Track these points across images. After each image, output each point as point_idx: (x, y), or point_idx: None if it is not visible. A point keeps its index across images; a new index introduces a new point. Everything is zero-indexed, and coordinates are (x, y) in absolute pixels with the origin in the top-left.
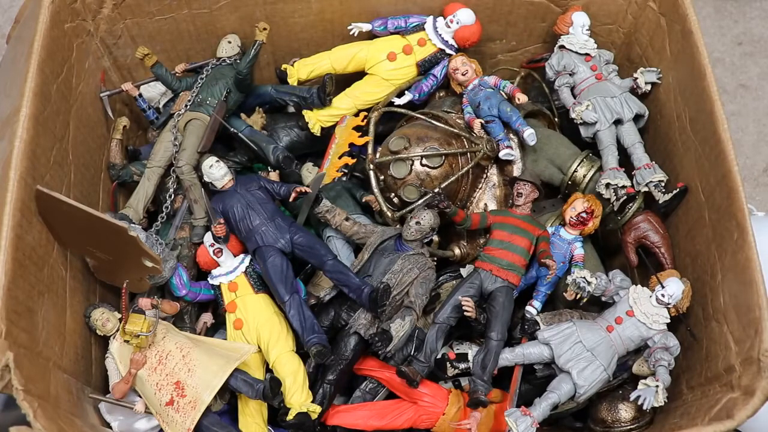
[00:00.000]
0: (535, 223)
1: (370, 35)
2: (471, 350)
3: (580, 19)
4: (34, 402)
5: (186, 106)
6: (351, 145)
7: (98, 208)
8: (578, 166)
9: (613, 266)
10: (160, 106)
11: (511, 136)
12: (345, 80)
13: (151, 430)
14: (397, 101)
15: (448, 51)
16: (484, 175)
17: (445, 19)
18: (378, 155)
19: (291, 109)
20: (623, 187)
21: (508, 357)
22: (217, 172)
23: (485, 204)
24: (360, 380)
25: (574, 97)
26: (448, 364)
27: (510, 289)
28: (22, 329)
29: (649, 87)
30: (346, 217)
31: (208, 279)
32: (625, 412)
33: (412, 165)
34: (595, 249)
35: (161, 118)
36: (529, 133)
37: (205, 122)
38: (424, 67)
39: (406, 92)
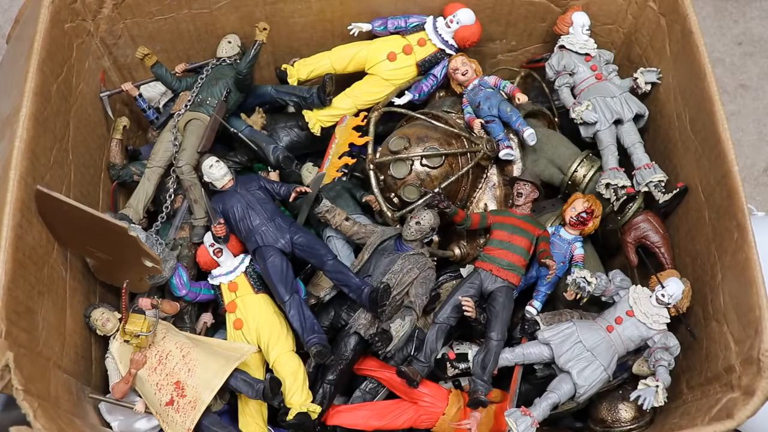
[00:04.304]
0: (535, 223)
1: (370, 35)
2: (471, 350)
3: (580, 19)
4: (34, 402)
5: (186, 106)
6: (351, 145)
7: (98, 208)
8: (578, 166)
9: (613, 266)
10: (160, 106)
11: (511, 136)
12: (345, 80)
13: (151, 430)
14: (397, 101)
15: (448, 51)
16: (484, 175)
17: (445, 19)
18: (378, 155)
19: (291, 109)
20: (623, 187)
21: (508, 357)
22: (217, 172)
23: (485, 204)
24: (360, 380)
25: (574, 97)
26: (448, 364)
27: (510, 289)
28: (22, 329)
29: (649, 87)
30: (346, 217)
31: (208, 279)
32: (625, 412)
33: (412, 165)
34: (595, 249)
35: (161, 118)
36: (529, 133)
37: (205, 122)
38: (424, 67)
39: (406, 92)
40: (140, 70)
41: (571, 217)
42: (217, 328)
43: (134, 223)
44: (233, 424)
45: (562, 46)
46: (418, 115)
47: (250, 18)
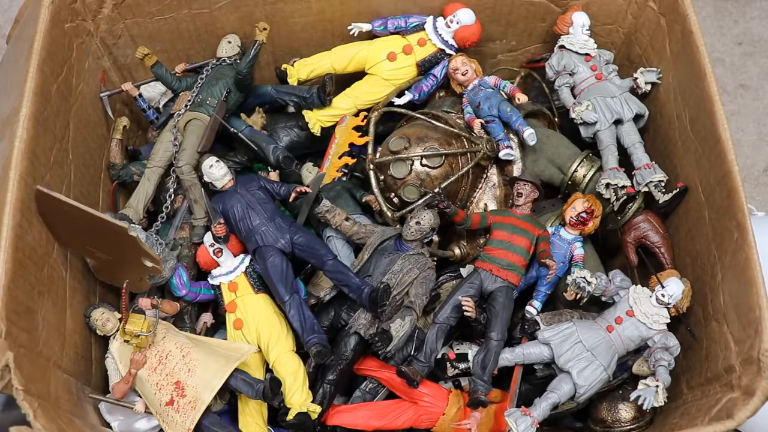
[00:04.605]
0: (535, 223)
1: (370, 35)
2: (471, 350)
3: (580, 19)
4: (34, 402)
5: (186, 106)
6: (351, 145)
7: (98, 208)
8: (578, 166)
9: (613, 266)
10: (160, 106)
11: (511, 136)
12: (345, 80)
13: (151, 430)
14: (397, 101)
15: (448, 51)
16: (484, 175)
17: (445, 19)
18: (378, 155)
19: (291, 109)
20: (623, 187)
21: (508, 357)
22: (217, 172)
23: (485, 204)
24: (360, 380)
25: (574, 97)
26: (448, 364)
27: (510, 289)
28: (22, 329)
29: (649, 87)
30: (346, 217)
31: (208, 279)
32: (625, 412)
33: (412, 165)
34: (595, 249)
35: (161, 118)
36: (529, 133)
37: (205, 122)
38: (424, 67)
39: (406, 92)
40: (140, 70)
41: (571, 217)
42: (217, 328)
43: (134, 223)
44: (233, 424)
45: (562, 46)
46: (418, 115)
47: (250, 18)
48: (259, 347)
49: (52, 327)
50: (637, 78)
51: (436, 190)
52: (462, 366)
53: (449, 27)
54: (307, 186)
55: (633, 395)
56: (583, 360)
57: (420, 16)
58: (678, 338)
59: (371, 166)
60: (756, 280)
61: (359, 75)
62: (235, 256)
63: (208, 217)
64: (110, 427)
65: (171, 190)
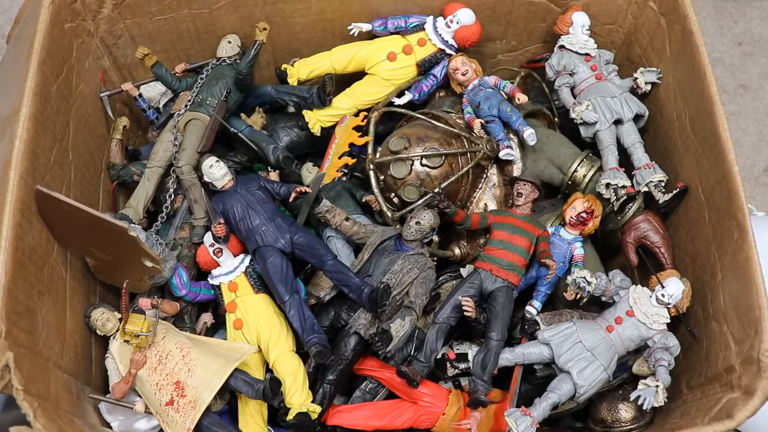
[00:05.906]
0: (535, 223)
1: (370, 35)
2: (471, 350)
3: (580, 19)
4: (34, 402)
5: (186, 106)
6: (351, 145)
7: (98, 208)
8: (578, 166)
9: (613, 266)
10: (160, 106)
11: (511, 136)
12: (345, 80)
13: (151, 430)
14: (397, 101)
15: (448, 51)
16: (484, 175)
17: (445, 19)
18: (378, 155)
19: (291, 109)
20: (623, 187)
21: (508, 357)
22: (217, 172)
23: (485, 204)
24: (360, 380)
25: (574, 97)
26: (448, 364)
27: (510, 289)
28: (22, 329)
29: (649, 87)
30: (346, 217)
31: (208, 279)
32: (625, 412)
33: (412, 165)
34: (595, 249)
35: (161, 118)
36: (529, 133)
37: (205, 122)
38: (424, 67)
39: (406, 92)
40: (140, 70)
41: (571, 217)
42: (217, 328)
43: (134, 223)
44: (233, 424)
45: (562, 46)
46: (418, 115)
47: (250, 18)
48: (259, 347)
49: (52, 327)
50: (637, 78)
51: (436, 190)
52: (462, 366)
53: (449, 27)
54: (307, 186)
55: (633, 395)
56: (583, 360)
57: (420, 16)
58: (678, 338)
59: (371, 166)
60: (756, 280)
61: (359, 75)
62: (235, 256)
63: (208, 217)
64: (110, 427)
65: (171, 190)
